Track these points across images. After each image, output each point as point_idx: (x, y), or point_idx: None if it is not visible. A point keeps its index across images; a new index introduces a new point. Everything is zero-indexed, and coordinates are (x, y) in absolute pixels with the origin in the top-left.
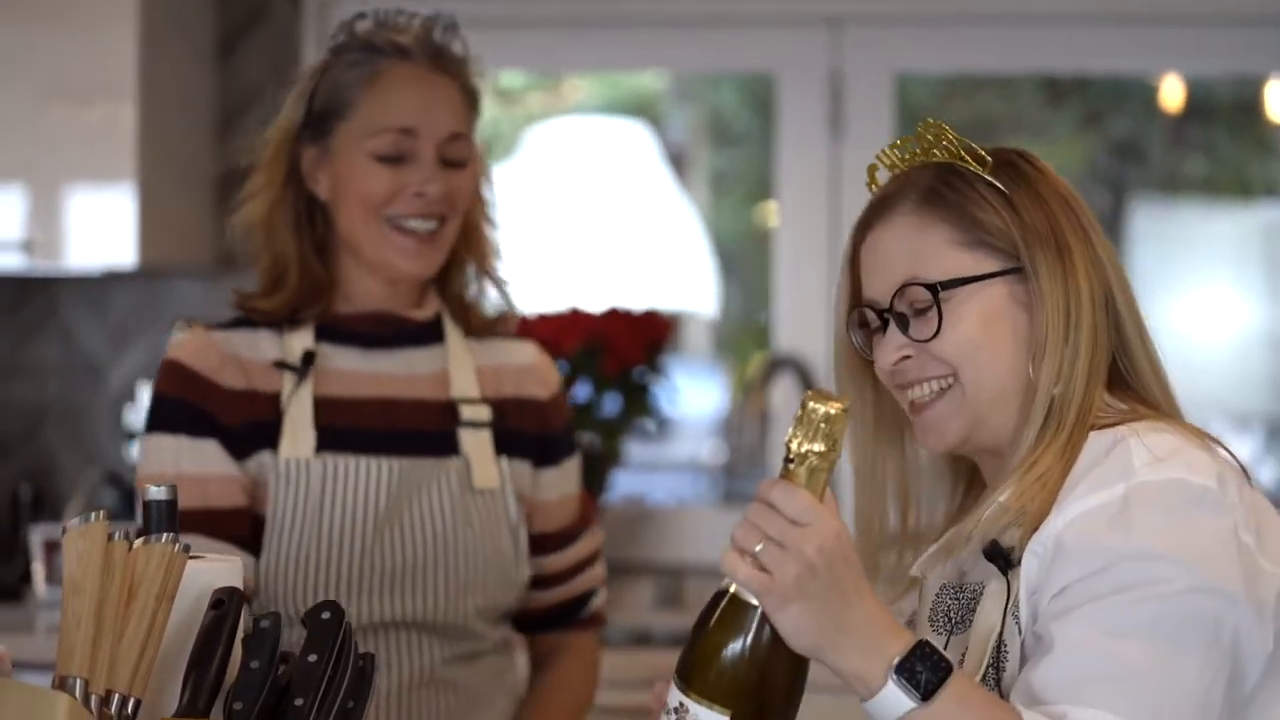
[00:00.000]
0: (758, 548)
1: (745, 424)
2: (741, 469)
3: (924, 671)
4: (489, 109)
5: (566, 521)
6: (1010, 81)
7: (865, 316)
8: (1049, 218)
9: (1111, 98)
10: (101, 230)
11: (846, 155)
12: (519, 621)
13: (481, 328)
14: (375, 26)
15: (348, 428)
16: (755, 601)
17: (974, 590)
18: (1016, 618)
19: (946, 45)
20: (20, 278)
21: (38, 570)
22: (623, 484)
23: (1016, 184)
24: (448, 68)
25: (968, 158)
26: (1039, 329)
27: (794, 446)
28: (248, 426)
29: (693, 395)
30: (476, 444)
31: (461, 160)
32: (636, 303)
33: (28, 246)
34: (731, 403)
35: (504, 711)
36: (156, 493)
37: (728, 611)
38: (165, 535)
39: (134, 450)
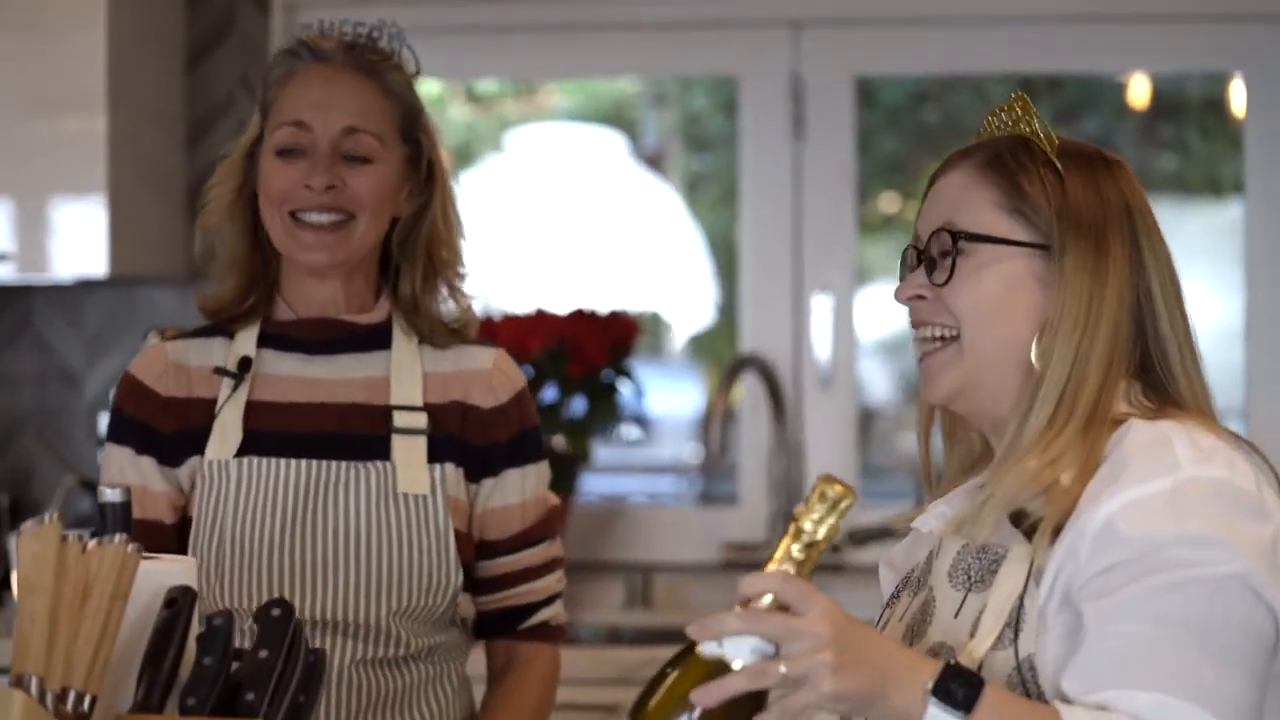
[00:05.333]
0: (781, 669)
1: (715, 424)
2: (714, 469)
3: (959, 688)
4: (464, 114)
5: (507, 531)
6: (982, 82)
7: (909, 255)
8: (1097, 213)
9: (1082, 97)
10: (73, 240)
11: (808, 158)
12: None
13: (435, 335)
14: (316, 34)
15: (274, 431)
16: (733, 664)
17: (996, 553)
18: (1038, 584)
19: (907, 48)
20: None
21: (15, 577)
22: (605, 485)
23: (1078, 174)
24: (364, 68)
25: (1040, 134)
26: (1054, 310)
27: (808, 529)
28: (181, 433)
29: (674, 396)
30: (408, 450)
31: (363, 156)
32: (624, 306)
33: (1, 257)
34: (706, 404)
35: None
36: (111, 495)
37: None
38: (119, 536)
39: None
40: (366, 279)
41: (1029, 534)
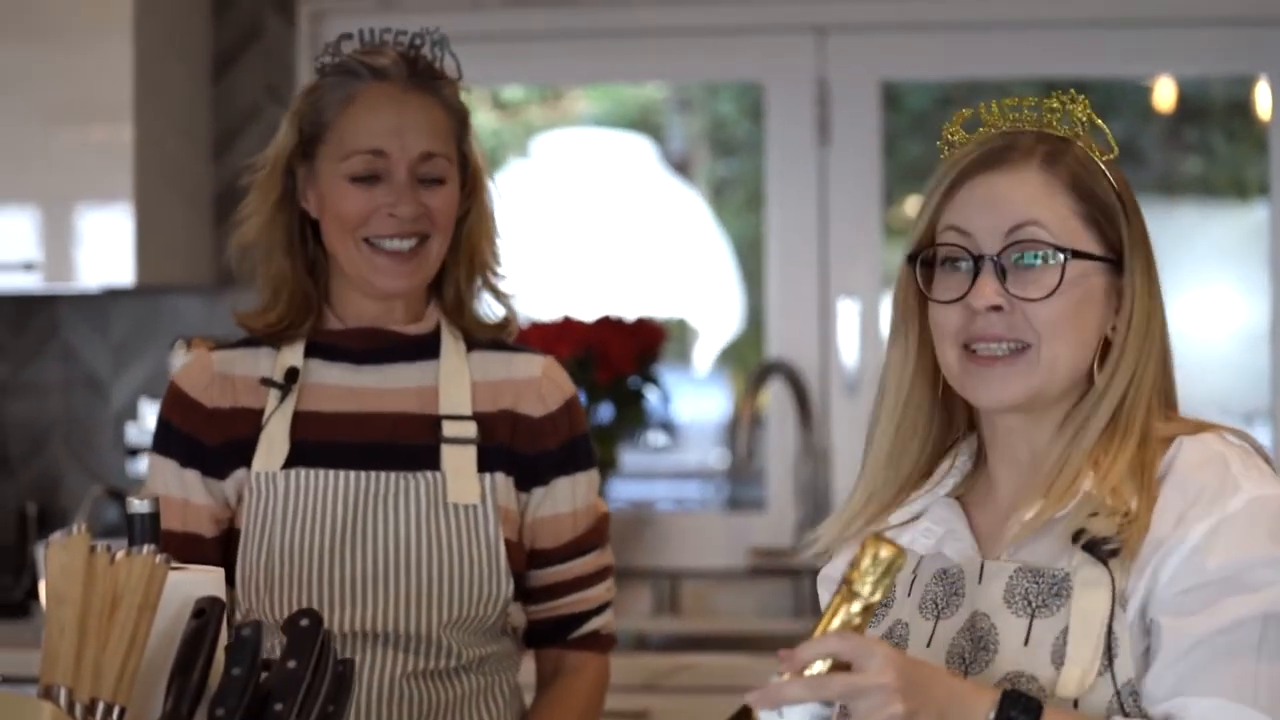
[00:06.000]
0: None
1: (742, 430)
2: (741, 474)
3: (1020, 715)
4: (490, 121)
5: (559, 540)
6: (1009, 86)
7: (944, 251)
8: (1142, 224)
9: (1107, 101)
10: (100, 249)
11: (833, 163)
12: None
13: (482, 337)
14: (359, 47)
15: (323, 442)
16: None
17: (1054, 576)
18: (1124, 608)
19: (932, 53)
20: (21, 297)
21: (44, 588)
22: (634, 491)
23: (1123, 181)
24: (426, 86)
25: (1093, 145)
26: (1121, 326)
27: (864, 592)
28: (227, 445)
29: (701, 402)
30: (457, 460)
31: (438, 178)
32: (651, 312)
33: (29, 266)
34: (733, 410)
35: None
36: (140, 506)
37: None
38: (148, 547)
39: (137, 466)
40: (421, 291)
41: (1101, 559)
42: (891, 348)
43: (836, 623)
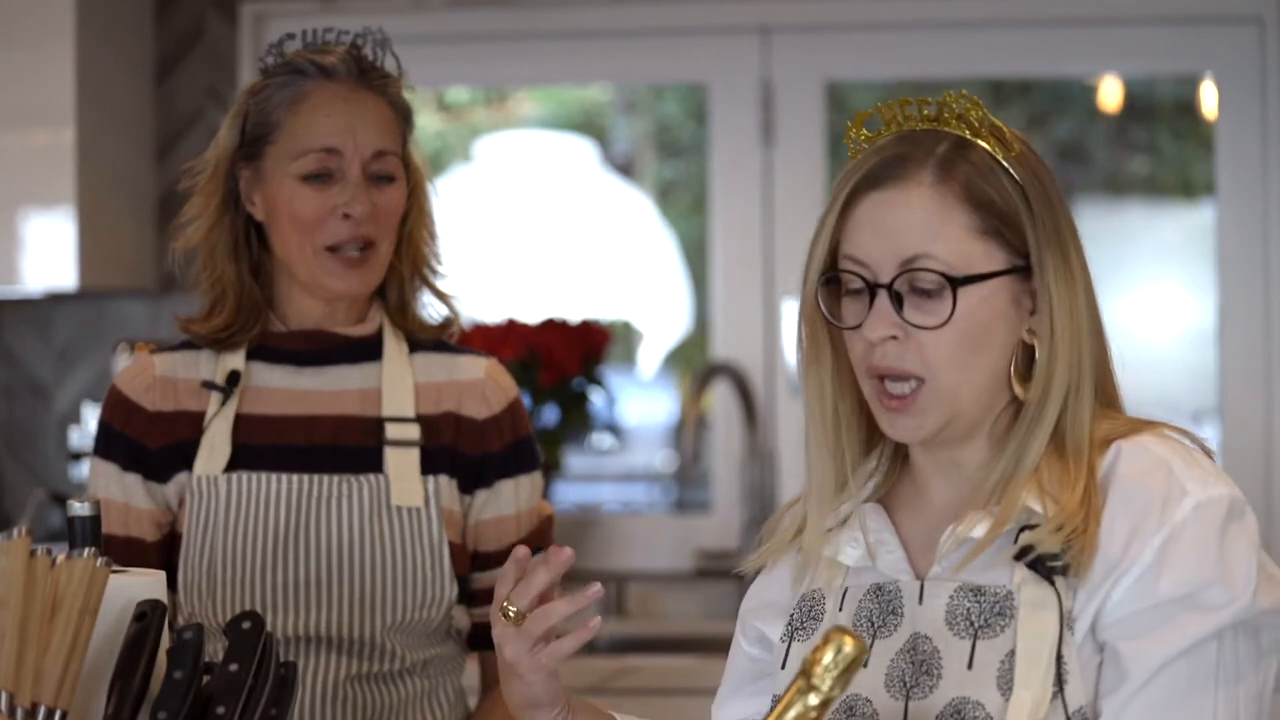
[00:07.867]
0: None
1: (688, 432)
2: (688, 476)
3: None
4: (434, 123)
5: (502, 542)
6: (954, 86)
7: (845, 278)
8: (1054, 214)
9: (1054, 100)
10: (42, 253)
11: (778, 163)
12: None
13: (424, 337)
14: (303, 47)
15: (265, 445)
16: None
17: (995, 594)
18: (1072, 629)
19: (877, 53)
20: None
21: None
22: (578, 494)
23: (1030, 175)
24: (374, 85)
25: (992, 140)
26: (1042, 331)
27: (823, 687)
28: (169, 448)
29: (647, 404)
30: (401, 462)
31: (389, 176)
32: (597, 315)
33: None
34: (679, 412)
35: None
36: (80, 509)
37: None
38: (89, 550)
39: (80, 470)
40: (367, 293)
41: (1046, 576)
42: (806, 376)
43: (791, 715)
